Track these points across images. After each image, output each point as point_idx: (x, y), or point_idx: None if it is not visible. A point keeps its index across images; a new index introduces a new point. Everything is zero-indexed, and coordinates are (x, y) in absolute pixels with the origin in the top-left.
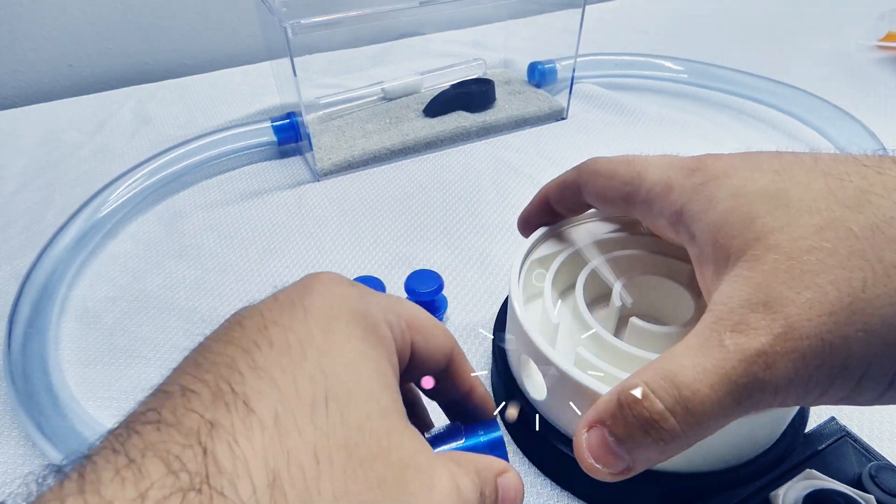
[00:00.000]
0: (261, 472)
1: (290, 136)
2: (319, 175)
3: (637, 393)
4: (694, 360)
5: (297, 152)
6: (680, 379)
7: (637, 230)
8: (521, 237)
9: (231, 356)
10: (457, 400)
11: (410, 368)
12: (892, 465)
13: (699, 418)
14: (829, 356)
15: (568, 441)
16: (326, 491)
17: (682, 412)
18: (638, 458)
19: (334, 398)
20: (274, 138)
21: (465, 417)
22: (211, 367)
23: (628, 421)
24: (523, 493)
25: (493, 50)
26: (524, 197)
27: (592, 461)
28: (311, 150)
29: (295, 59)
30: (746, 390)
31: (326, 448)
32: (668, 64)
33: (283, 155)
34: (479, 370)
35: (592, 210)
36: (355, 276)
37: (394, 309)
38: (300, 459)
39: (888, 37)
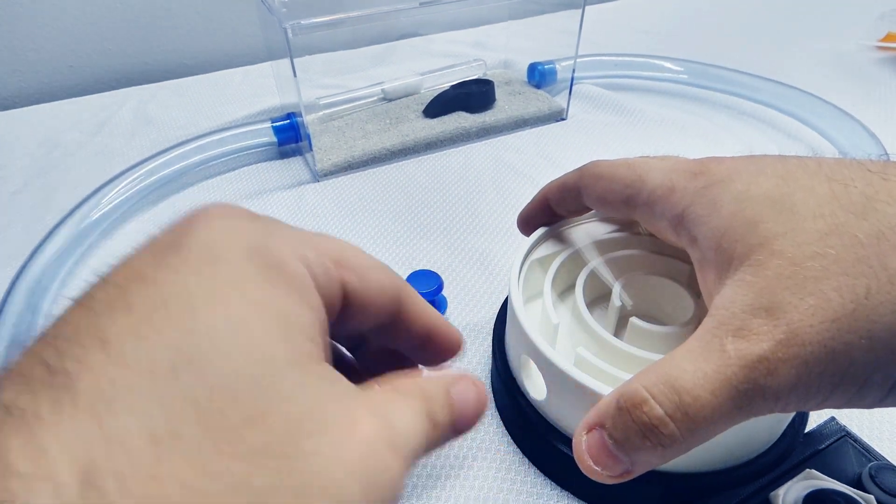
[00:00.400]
0: (68, 467)
1: (290, 136)
2: (319, 175)
3: (637, 398)
4: (695, 364)
5: (298, 153)
6: (680, 384)
7: (637, 230)
8: (520, 237)
9: (76, 325)
10: (418, 344)
11: (348, 316)
12: (892, 465)
13: (699, 424)
14: (831, 363)
15: (568, 441)
16: (170, 478)
17: (681, 418)
18: (637, 462)
19: (198, 362)
20: (274, 139)
21: (433, 357)
22: (50, 341)
23: (627, 425)
24: (486, 401)
25: (493, 50)
26: (524, 197)
27: (591, 463)
28: (311, 150)
29: (295, 60)
30: (747, 396)
31: (173, 424)
32: (668, 65)
33: (283, 155)
34: (480, 371)
35: (592, 211)
36: None
37: (312, 243)
38: (130, 443)
39: (888, 37)
